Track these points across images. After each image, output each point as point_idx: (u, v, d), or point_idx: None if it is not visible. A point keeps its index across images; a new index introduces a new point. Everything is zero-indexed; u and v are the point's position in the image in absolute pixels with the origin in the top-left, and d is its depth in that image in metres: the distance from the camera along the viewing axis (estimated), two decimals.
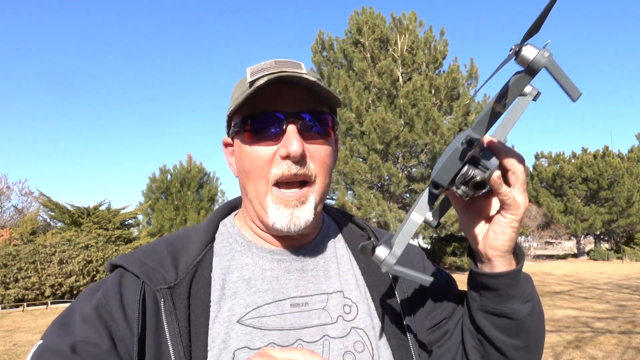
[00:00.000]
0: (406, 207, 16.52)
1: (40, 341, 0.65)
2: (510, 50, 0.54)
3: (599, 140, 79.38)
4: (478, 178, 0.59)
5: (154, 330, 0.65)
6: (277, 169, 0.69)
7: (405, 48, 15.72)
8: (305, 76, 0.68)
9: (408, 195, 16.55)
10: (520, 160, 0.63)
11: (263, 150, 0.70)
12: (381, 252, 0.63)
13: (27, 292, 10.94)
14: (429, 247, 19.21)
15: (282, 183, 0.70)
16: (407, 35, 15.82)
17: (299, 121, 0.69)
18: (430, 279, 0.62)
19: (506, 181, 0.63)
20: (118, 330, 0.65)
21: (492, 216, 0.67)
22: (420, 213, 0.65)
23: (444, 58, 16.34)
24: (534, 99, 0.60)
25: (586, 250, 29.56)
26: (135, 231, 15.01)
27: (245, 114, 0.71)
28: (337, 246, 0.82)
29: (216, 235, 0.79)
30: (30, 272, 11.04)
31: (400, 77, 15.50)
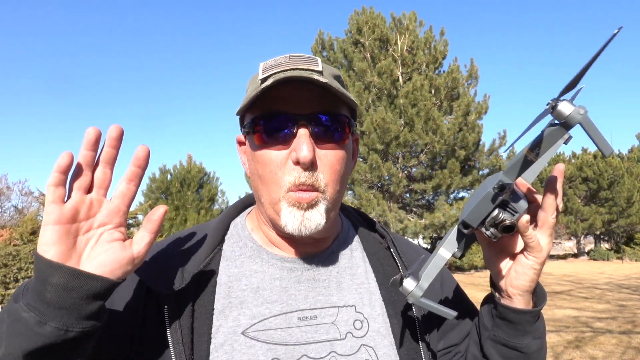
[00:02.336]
0: (406, 207, 16.52)
1: None
2: (547, 105, 0.57)
3: None
4: (507, 222, 0.62)
5: (155, 335, 0.64)
6: (289, 176, 0.66)
7: (405, 48, 15.71)
8: (315, 76, 0.63)
9: (408, 195, 16.55)
10: (555, 205, 0.64)
11: (274, 155, 0.67)
12: (409, 284, 0.66)
13: None
14: (429, 247, 19.21)
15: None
16: (407, 35, 15.81)
17: (311, 123, 0.66)
18: (455, 313, 0.64)
19: (534, 222, 0.65)
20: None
21: (516, 255, 0.68)
22: (449, 249, 0.68)
23: (444, 58, 16.33)
24: (565, 142, 0.62)
25: (586, 250, 29.55)
26: (135, 231, 15.02)
27: (256, 114, 0.68)
28: (354, 255, 0.79)
29: (226, 237, 0.76)
30: (30, 272, 11.03)
31: (400, 77, 15.49)
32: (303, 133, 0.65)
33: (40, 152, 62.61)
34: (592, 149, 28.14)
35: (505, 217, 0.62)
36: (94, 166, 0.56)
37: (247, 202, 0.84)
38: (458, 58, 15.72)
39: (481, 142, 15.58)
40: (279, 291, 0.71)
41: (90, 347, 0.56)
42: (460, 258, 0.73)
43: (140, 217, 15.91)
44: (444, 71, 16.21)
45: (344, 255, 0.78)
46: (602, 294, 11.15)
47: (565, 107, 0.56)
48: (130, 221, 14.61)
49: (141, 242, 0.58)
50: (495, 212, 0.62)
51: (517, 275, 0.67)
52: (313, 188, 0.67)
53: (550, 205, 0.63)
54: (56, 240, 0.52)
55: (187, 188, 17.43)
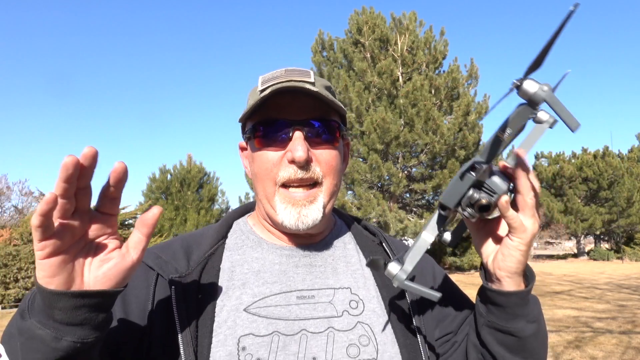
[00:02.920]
0: (406, 207, 16.52)
1: None
2: (512, 84, 0.58)
3: (599, 140, 79.35)
4: (483, 201, 0.62)
5: (163, 316, 0.69)
6: (284, 172, 0.73)
7: (405, 48, 15.71)
8: (307, 86, 0.71)
9: (408, 195, 16.55)
10: (533, 185, 0.65)
11: (271, 155, 0.74)
12: (393, 268, 0.68)
13: (27, 292, 10.91)
14: (428, 247, 19.19)
15: (290, 185, 0.75)
16: (407, 35, 15.81)
17: (305, 128, 0.73)
18: (439, 294, 0.66)
19: (516, 205, 0.66)
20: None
21: (502, 238, 0.70)
22: (431, 232, 0.70)
23: (444, 58, 16.33)
24: (550, 127, 0.62)
25: (586, 250, 29.57)
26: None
27: (255, 121, 0.75)
28: (348, 247, 0.85)
29: (229, 234, 0.83)
30: (30, 272, 11.04)
31: (400, 77, 15.49)
32: (298, 136, 0.73)
33: (40, 152, 62.71)
34: (592, 148, 28.18)
35: (481, 197, 0.62)
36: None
37: (249, 207, 0.91)
38: (458, 58, 15.75)
39: (481, 142, 15.57)
40: (278, 273, 0.76)
41: (101, 344, 0.59)
42: (452, 246, 0.75)
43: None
44: (444, 71, 16.22)
45: (338, 247, 0.84)
46: (602, 294, 11.15)
47: (529, 86, 0.57)
48: (130, 221, 14.61)
49: (137, 247, 0.57)
50: (471, 192, 0.62)
51: (503, 258, 0.68)
52: (312, 181, 0.74)
53: (523, 186, 0.64)
54: (55, 272, 0.52)
55: (187, 188, 17.46)
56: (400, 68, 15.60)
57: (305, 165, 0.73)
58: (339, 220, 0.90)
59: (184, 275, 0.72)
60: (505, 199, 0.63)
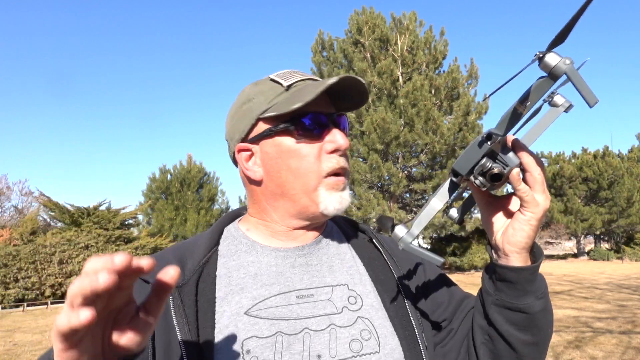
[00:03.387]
0: (406, 207, 16.53)
1: None
2: (535, 56, 0.59)
3: (599, 140, 79.33)
4: (495, 170, 0.63)
5: (164, 328, 0.69)
6: (329, 162, 0.76)
7: (405, 48, 15.72)
8: (360, 79, 0.76)
9: (408, 195, 16.56)
10: (538, 162, 0.65)
11: (309, 148, 0.76)
12: (400, 230, 0.68)
13: (27, 292, 10.95)
14: (429, 247, 19.22)
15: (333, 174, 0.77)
16: (407, 35, 15.81)
17: (337, 120, 0.78)
18: (442, 259, 0.67)
19: (525, 182, 0.67)
20: None
21: (513, 213, 0.70)
22: (440, 199, 0.69)
23: (444, 58, 16.34)
24: (566, 111, 0.63)
25: (586, 250, 29.57)
26: (135, 231, 15.03)
27: (290, 115, 0.75)
28: (340, 245, 0.86)
29: (221, 240, 0.82)
30: (30, 272, 11.06)
31: (400, 77, 15.50)
32: (336, 127, 0.77)
33: (40, 152, 62.69)
34: (592, 148, 28.22)
35: (494, 166, 0.63)
36: None
37: (236, 214, 0.91)
38: (458, 58, 15.77)
39: None
40: (275, 275, 0.77)
41: None
42: (458, 223, 0.75)
43: (140, 217, 15.93)
44: (444, 71, 16.23)
45: (332, 245, 0.85)
46: (602, 294, 11.16)
47: (551, 58, 0.58)
48: (130, 221, 14.61)
49: (154, 312, 0.53)
50: (484, 160, 0.63)
51: (514, 232, 0.67)
52: (345, 171, 0.79)
53: (528, 163, 0.65)
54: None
55: (187, 188, 17.46)
56: (400, 68, 15.61)
57: (344, 153, 0.77)
58: (329, 220, 0.91)
59: (180, 285, 0.72)
60: (516, 171, 0.64)
